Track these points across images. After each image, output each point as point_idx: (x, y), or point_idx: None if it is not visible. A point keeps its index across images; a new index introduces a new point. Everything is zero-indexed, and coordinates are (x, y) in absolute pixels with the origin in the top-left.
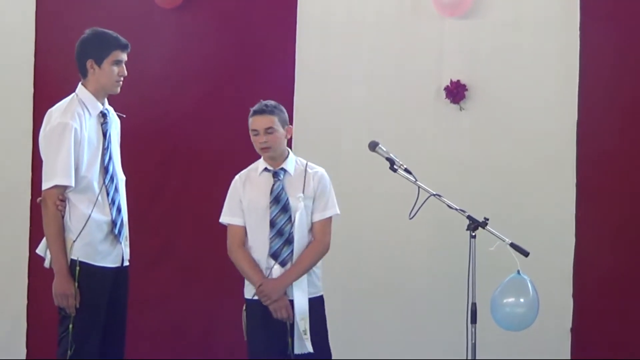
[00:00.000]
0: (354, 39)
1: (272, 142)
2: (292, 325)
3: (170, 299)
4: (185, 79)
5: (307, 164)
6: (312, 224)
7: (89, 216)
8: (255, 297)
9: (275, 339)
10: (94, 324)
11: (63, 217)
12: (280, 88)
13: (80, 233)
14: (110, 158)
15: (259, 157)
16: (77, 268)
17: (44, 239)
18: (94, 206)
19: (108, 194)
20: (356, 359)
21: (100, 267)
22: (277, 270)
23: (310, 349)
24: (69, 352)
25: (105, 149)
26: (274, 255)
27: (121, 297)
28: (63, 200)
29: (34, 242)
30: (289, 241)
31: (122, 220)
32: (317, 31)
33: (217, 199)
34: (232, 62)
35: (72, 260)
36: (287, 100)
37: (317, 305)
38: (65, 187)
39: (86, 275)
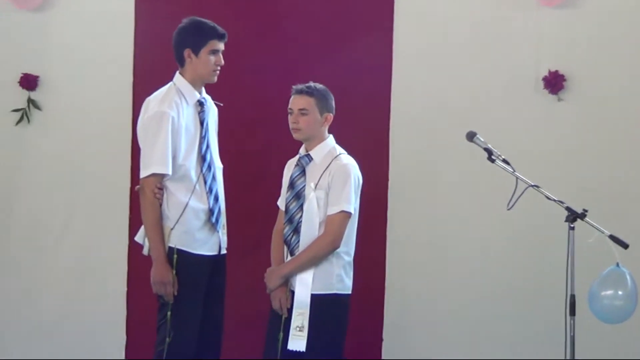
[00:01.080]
0: (451, 29)
1: (304, 124)
2: (288, 318)
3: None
4: (285, 68)
5: (339, 155)
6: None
7: (187, 204)
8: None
9: (271, 331)
10: (192, 311)
11: (161, 205)
12: (376, 79)
13: (177, 221)
14: (207, 146)
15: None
16: (175, 256)
17: (142, 227)
18: (191, 194)
19: (205, 182)
20: (454, 358)
21: (198, 255)
22: (288, 258)
23: (302, 347)
24: (167, 339)
25: (203, 137)
26: (286, 242)
27: (219, 285)
28: (161, 189)
29: (133, 229)
30: (297, 230)
31: (219, 209)
32: (414, 21)
33: None
34: (329, 50)
35: (169, 248)
36: (385, 90)
37: (326, 304)
38: (162, 176)
39: (184, 263)
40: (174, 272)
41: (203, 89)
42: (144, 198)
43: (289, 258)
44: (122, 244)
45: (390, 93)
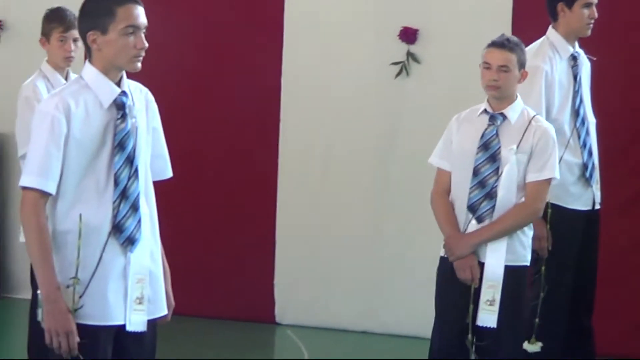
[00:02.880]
0: None
1: (504, 81)
2: (478, 289)
3: None
4: None
5: (534, 117)
6: (525, 184)
7: (561, 158)
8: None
9: (458, 301)
10: (565, 265)
11: None
12: None
13: None
14: (581, 101)
15: None
16: (549, 210)
17: None
18: (565, 148)
19: (579, 137)
20: None
21: (572, 210)
22: (473, 225)
23: (493, 323)
24: (541, 294)
25: (576, 92)
26: (472, 208)
27: (592, 240)
28: None
29: None
30: (491, 195)
31: (593, 163)
32: None
33: None
34: None
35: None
36: None
37: (515, 276)
38: None
39: (558, 217)
40: (548, 226)
41: (576, 44)
42: None
43: (473, 225)
44: None
45: None
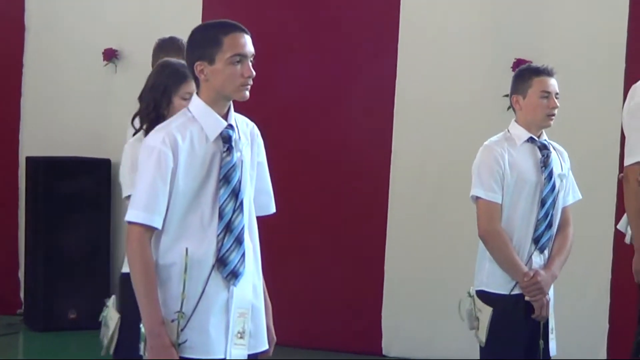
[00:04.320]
0: None
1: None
2: (545, 324)
3: None
4: None
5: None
6: (563, 208)
7: None
8: (516, 292)
9: (531, 340)
10: None
11: None
12: None
13: None
14: None
15: None
16: None
17: (625, 215)
18: None
19: None
20: None
21: None
22: (537, 257)
23: (555, 349)
24: None
25: None
26: (537, 240)
27: None
28: None
29: (618, 217)
30: (550, 224)
31: None
32: None
33: None
34: None
35: None
36: None
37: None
38: None
39: None
40: None
41: None
42: (627, 186)
43: (537, 257)
44: (608, 232)
45: None
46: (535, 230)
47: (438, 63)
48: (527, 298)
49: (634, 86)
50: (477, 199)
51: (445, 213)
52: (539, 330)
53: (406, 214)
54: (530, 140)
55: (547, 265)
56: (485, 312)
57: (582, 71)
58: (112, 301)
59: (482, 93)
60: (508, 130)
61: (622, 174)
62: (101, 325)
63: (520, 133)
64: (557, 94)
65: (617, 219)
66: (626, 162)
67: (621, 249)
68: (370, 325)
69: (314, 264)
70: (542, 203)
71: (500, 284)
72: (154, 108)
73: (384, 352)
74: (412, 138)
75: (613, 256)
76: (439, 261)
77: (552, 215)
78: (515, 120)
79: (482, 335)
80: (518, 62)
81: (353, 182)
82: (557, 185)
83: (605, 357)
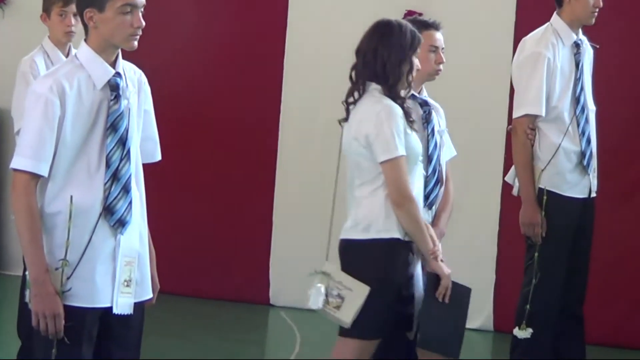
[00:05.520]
0: None
1: None
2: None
3: None
4: None
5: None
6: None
7: (559, 146)
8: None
9: None
10: (559, 253)
11: (532, 145)
12: None
13: (549, 162)
14: (582, 88)
15: None
16: (545, 197)
17: (513, 167)
18: (564, 136)
19: (578, 125)
20: None
21: (568, 197)
22: (426, 214)
23: None
24: (533, 280)
25: (577, 79)
26: (427, 196)
27: (586, 228)
28: (533, 129)
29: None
30: (439, 181)
31: (591, 151)
32: None
33: None
34: None
35: (539, 189)
36: None
37: None
38: (535, 117)
39: (554, 204)
40: (543, 213)
41: (580, 31)
42: (515, 138)
43: (427, 213)
44: (497, 183)
45: None
46: (426, 186)
47: (327, 16)
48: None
49: (523, 39)
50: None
51: (334, 164)
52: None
53: (295, 163)
54: (412, 97)
55: (434, 222)
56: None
57: (472, 24)
58: None
59: None
60: None
61: (510, 126)
62: None
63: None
64: (443, 48)
65: (506, 172)
66: (515, 115)
67: (509, 200)
68: (257, 274)
69: (201, 214)
70: (430, 159)
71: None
72: None
73: (271, 302)
74: (301, 89)
75: (501, 208)
76: (327, 214)
77: (439, 172)
78: None
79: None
80: (408, 14)
81: (242, 134)
82: (439, 141)
83: (492, 307)
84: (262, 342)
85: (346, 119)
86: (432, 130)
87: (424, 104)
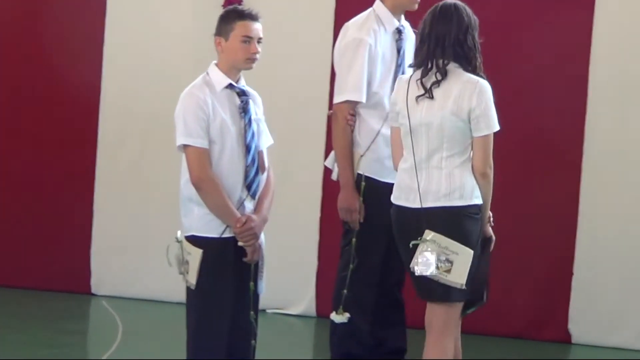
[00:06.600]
0: None
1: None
2: (257, 266)
3: None
4: None
5: None
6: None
7: (378, 132)
8: (226, 235)
9: (240, 282)
10: (378, 239)
11: (352, 131)
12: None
13: (368, 148)
14: (402, 74)
15: None
16: (363, 183)
17: (333, 152)
18: (383, 122)
19: None
20: None
21: (386, 183)
22: (249, 203)
23: (264, 288)
24: (351, 265)
25: (399, 65)
26: (249, 186)
27: None
28: (353, 115)
29: (327, 154)
30: (258, 170)
31: None
32: None
33: None
34: None
35: (358, 174)
36: None
37: None
38: (356, 103)
39: (372, 190)
40: (361, 199)
41: (402, 17)
42: (336, 124)
43: (250, 202)
44: (318, 170)
45: None
46: (246, 177)
47: (145, 2)
48: (240, 243)
49: (345, 25)
50: (185, 147)
51: (155, 148)
52: (250, 272)
53: (116, 148)
54: (230, 86)
55: (256, 209)
56: (195, 255)
57: (292, 11)
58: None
59: (191, 33)
60: (207, 74)
61: (331, 112)
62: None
63: (220, 79)
64: (260, 38)
65: (326, 156)
66: (335, 100)
67: (330, 186)
68: (78, 262)
69: (19, 203)
70: (248, 149)
71: (211, 228)
72: None
73: (92, 291)
74: (122, 74)
75: (322, 194)
76: (146, 204)
77: (258, 160)
78: (216, 64)
79: (192, 278)
80: (229, 2)
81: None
82: (256, 130)
83: (314, 293)
84: (84, 331)
85: (431, 97)
86: (250, 119)
87: (241, 93)
